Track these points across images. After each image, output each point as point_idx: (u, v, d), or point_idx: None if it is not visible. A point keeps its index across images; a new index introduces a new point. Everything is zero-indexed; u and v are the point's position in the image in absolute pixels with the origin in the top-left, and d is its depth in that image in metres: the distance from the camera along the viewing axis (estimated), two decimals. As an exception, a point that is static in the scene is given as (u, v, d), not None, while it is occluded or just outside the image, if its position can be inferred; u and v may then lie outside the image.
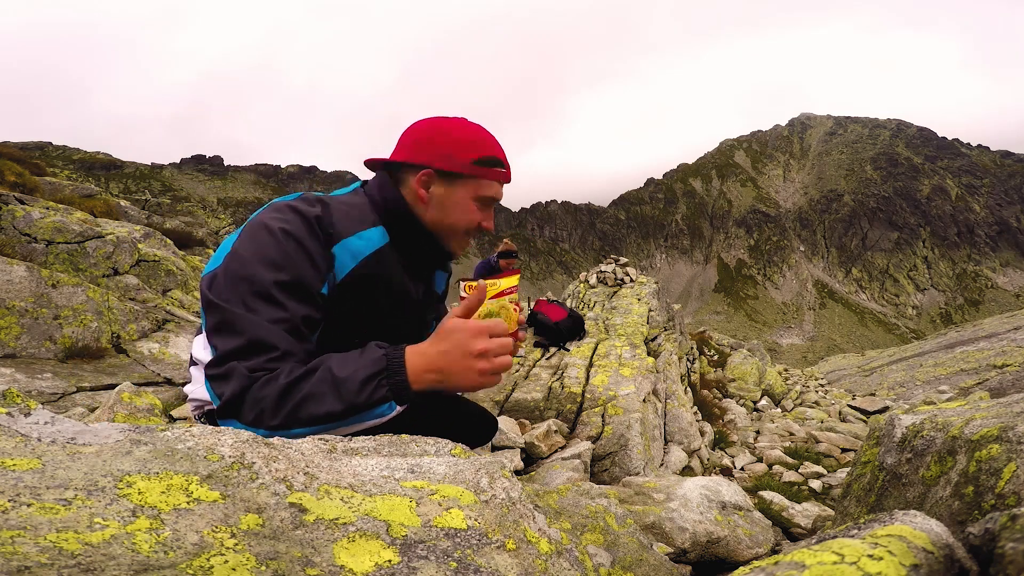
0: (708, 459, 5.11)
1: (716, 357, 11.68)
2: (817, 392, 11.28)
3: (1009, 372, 10.73)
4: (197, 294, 6.16)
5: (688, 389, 6.97)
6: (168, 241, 6.70)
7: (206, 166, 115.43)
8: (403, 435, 1.24)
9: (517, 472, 2.94)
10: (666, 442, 4.50)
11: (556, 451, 3.31)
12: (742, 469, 5.16)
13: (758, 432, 7.01)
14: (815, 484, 4.39)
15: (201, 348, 1.14)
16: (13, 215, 5.02)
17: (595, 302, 8.18)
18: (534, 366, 4.65)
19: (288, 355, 1.01)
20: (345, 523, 0.77)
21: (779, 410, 9.36)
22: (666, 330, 7.38)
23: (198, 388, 1.17)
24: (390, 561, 0.73)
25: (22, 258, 4.58)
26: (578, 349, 4.95)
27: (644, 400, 3.98)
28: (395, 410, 1.06)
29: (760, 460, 5.43)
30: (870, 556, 0.64)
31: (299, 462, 0.91)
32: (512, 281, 1.29)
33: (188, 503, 0.66)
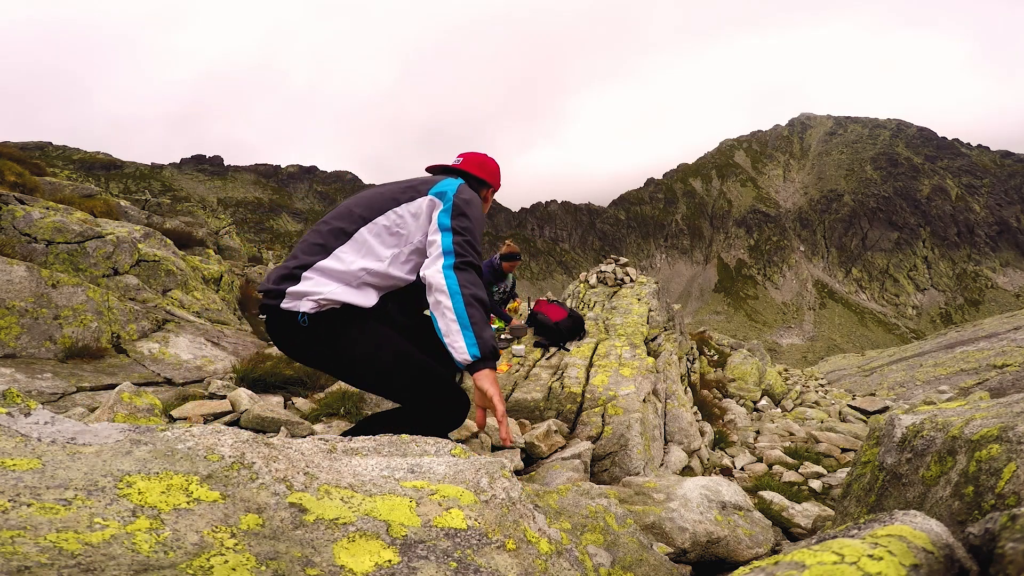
0: (708, 459, 5.11)
1: (716, 357, 11.68)
2: (817, 392, 11.28)
3: (1009, 372, 10.73)
4: (198, 294, 6.16)
5: (688, 389, 6.97)
6: (168, 241, 6.70)
7: (206, 166, 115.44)
8: (403, 435, 1.24)
9: (517, 472, 2.94)
10: (666, 442, 4.50)
11: (556, 451, 3.31)
12: (742, 469, 5.16)
13: (758, 432, 7.01)
14: (815, 484, 4.40)
15: (379, 253, 1.83)
16: (13, 215, 5.02)
17: (595, 302, 8.18)
18: (534, 366, 4.65)
19: (480, 269, 1.79)
20: (345, 523, 0.77)
21: (779, 410, 9.36)
22: (666, 330, 7.38)
23: (338, 289, 1.74)
24: (390, 561, 0.73)
25: (22, 258, 4.58)
26: (578, 349, 4.95)
27: (644, 400, 3.98)
28: (470, 361, 1.61)
29: (760, 460, 5.43)
30: (870, 556, 0.64)
31: (299, 462, 0.91)
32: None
33: (188, 503, 0.66)
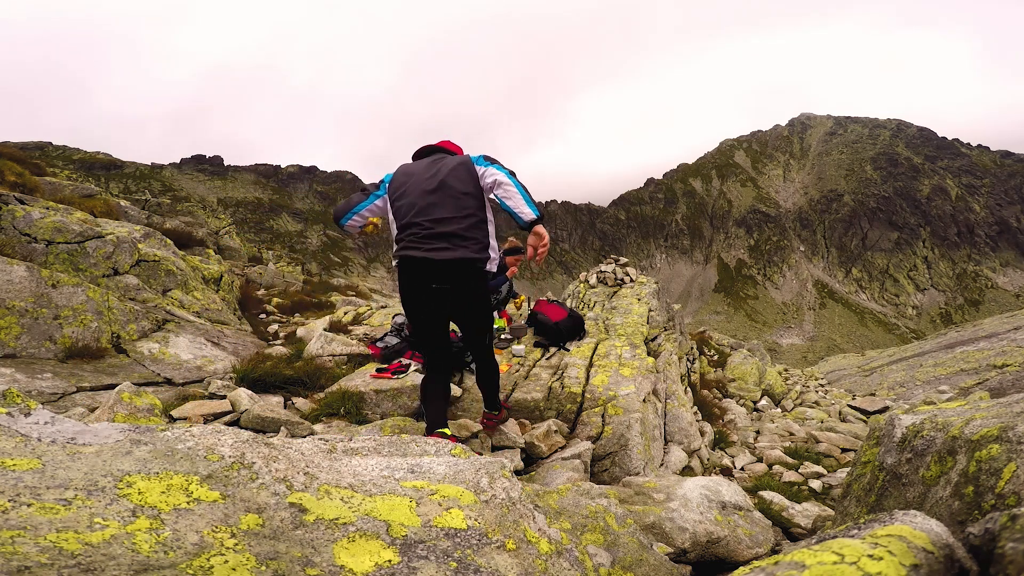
0: (708, 459, 5.11)
1: (716, 357, 11.68)
2: (817, 392, 11.27)
3: (1009, 372, 10.73)
4: (198, 294, 6.15)
5: (688, 389, 6.97)
6: (168, 241, 6.70)
7: (206, 166, 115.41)
8: (403, 435, 1.24)
9: (517, 472, 2.94)
10: (666, 442, 4.50)
11: (556, 451, 3.31)
12: (742, 469, 5.16)
13: (758, 432, 7.01)
14: (815, 484, 4.39)
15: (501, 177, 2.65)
16: (13, 215, 5.02)
17: (595, 302, 8.18)
18: (534, 366, 4.65)
19: None
20: (345, 523, 0.77)
21: (779, 410, 9.36)
22: (666, 330, 7.38)
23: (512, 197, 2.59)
24: (390, 561, 0.73)
25: (22, 258, 4.58)
26: (578, 349, 4.95)
27: (644, 400, 3.98)
28: (535, 217, 2.52)
29: (760, 460, 5.43)
30: (870, 556, 0.64)
31: (299, 462, 0.91)
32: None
33: (188, 503, 0.66)
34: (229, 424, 2.82)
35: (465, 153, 2.89)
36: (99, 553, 0.50)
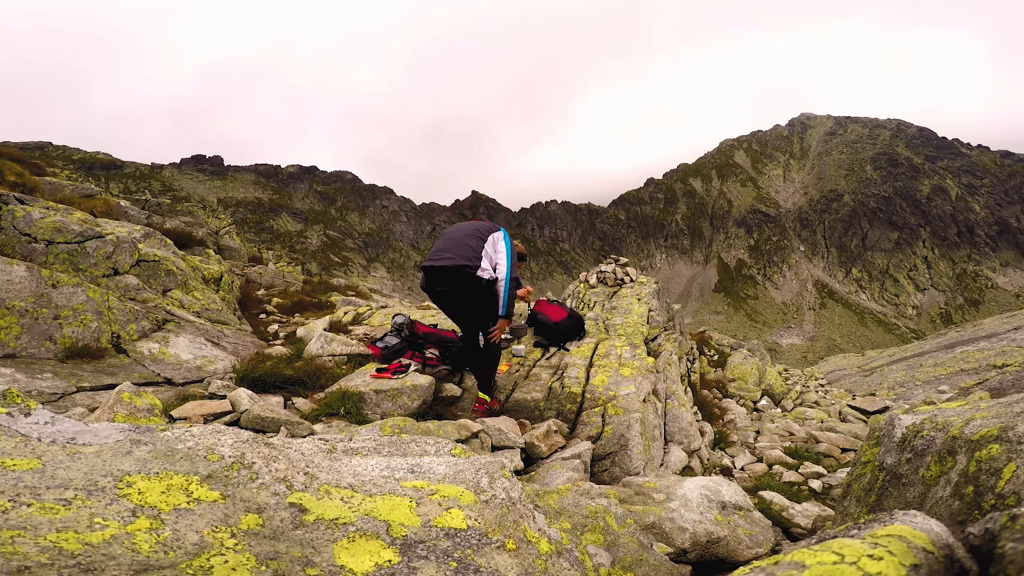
0: (708, 459, 5.11)
1: (716, 357, 11.68)
2: (817, 392, 11.27)
3: (1009, 372, 10.73)
4: (198, 294, 6.15)
5: (688, 389, 6.97)
6: (168, 241, 6.70)
7: (206, 166, 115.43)
8: (403, 435, 1.24)
9: (517, 472, 2.94)
10: (666, 442, 4.50)
11: (556, 451, 3.31)
12: (742, 469, 5.16)
13: (758, 432, 7.01)
14: (815, 484, 4.39)
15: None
16: (13, 215, 5.02)
17: (595, 302, 8.18)
18: (534, 366, 4.65)
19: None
20: (345, 523, 0.77)
21: (779, 410, 9.36)
22: (666, 330, 7.38)
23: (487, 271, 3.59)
24: (390, 561, 0.73)
25: (22, 258, 4.58)
26: (578, 349, 4.95)
27: (644, 400, 3.98)
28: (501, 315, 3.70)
29: (760, 460, 5.43)
30: (870, 556, 0.64)
31: (299, 462, 0.91)
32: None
33: (188, 503, 0.66)
34: (229, 424, 2.82)
35: (501, 228, 3.84)
36: (99, 553, 0.50)
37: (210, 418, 2.95)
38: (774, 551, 2.32)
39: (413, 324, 4.80)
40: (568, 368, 4.45)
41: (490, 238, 3.68)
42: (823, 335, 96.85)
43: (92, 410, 3.03)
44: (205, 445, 0.80)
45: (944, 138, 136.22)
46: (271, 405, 3.19)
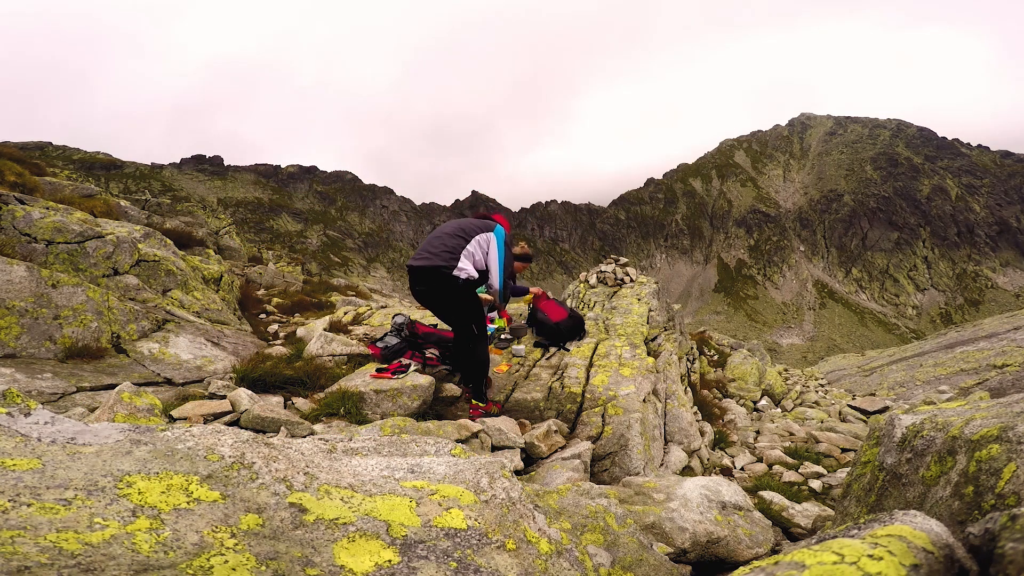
0: (708, 459, 5.11)
1: (716, 357, 11.68)
2: (817, 392, 11.27)
3: (1009, 372, 10.73)
4: (197, 294, 6.16)
5: (688, 389, 6.97)
6: (168, 241, 6.70)
7: (206, 166, 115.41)
8: (403, 435, 1.24)
9: (517, 472, 2.94)
10: (666, 442, 4.50)
11: (556, 451, 3.31)
12: (742, 469, 5.16)
13: (758, 432, 7.01)
14: (815, 484, 4.39)
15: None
16: (13, 215, 5.02)
17: (595, 302, 8.18)
18: (534, 366, 4.65)
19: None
20: (345, 523, 0.77)
21: (779, 410, 9.36)
22: (666, 330, 7.38)
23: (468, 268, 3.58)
24: (390, 561, 0.73)
25: (22, 258, 4.58)
26: (578, 349, 4.95)
27: (644, 400, 3.98)
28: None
29: (760, 460, 5.43)
30: (870, 556, 0.64)
31: (299, 462, 0.91)
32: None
33: (188, 503, 0.66)
34: (229, 424, 2.82)
35: (496, 227, 3.78)
36: (99, 553, 0.50)
37: (210, 418, 2.95)
38: (774, 551, 2.32)
39: (413, 324, 4.80)
40: (568, 368, 4.45)
41: (477, 238, 3.62)
42: (823, 335, 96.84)
43: (92, 410, 3.03)
44: (205, 445, 0.80)
45: (944, 138, 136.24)
46: (271, 405, 3.19)
